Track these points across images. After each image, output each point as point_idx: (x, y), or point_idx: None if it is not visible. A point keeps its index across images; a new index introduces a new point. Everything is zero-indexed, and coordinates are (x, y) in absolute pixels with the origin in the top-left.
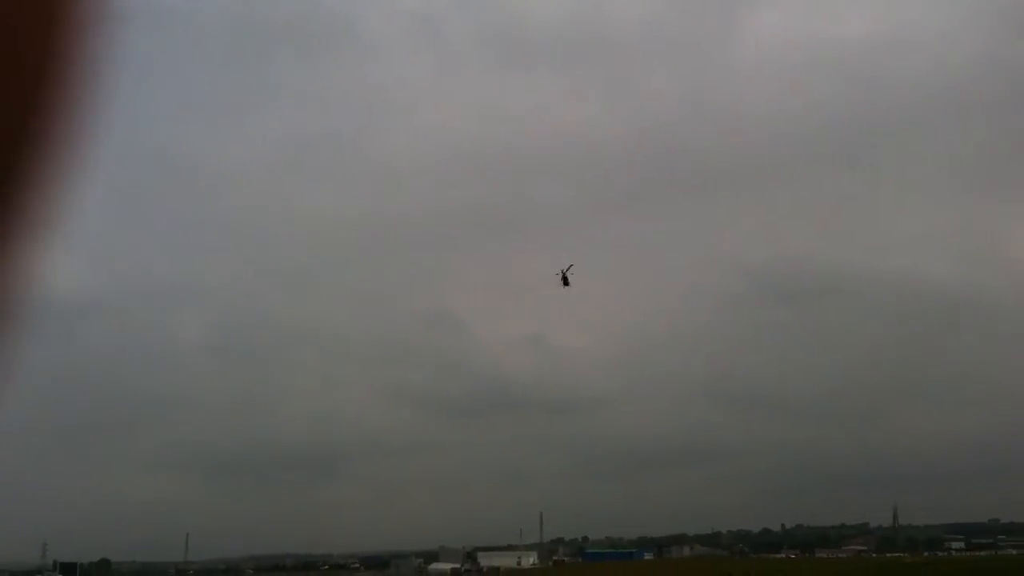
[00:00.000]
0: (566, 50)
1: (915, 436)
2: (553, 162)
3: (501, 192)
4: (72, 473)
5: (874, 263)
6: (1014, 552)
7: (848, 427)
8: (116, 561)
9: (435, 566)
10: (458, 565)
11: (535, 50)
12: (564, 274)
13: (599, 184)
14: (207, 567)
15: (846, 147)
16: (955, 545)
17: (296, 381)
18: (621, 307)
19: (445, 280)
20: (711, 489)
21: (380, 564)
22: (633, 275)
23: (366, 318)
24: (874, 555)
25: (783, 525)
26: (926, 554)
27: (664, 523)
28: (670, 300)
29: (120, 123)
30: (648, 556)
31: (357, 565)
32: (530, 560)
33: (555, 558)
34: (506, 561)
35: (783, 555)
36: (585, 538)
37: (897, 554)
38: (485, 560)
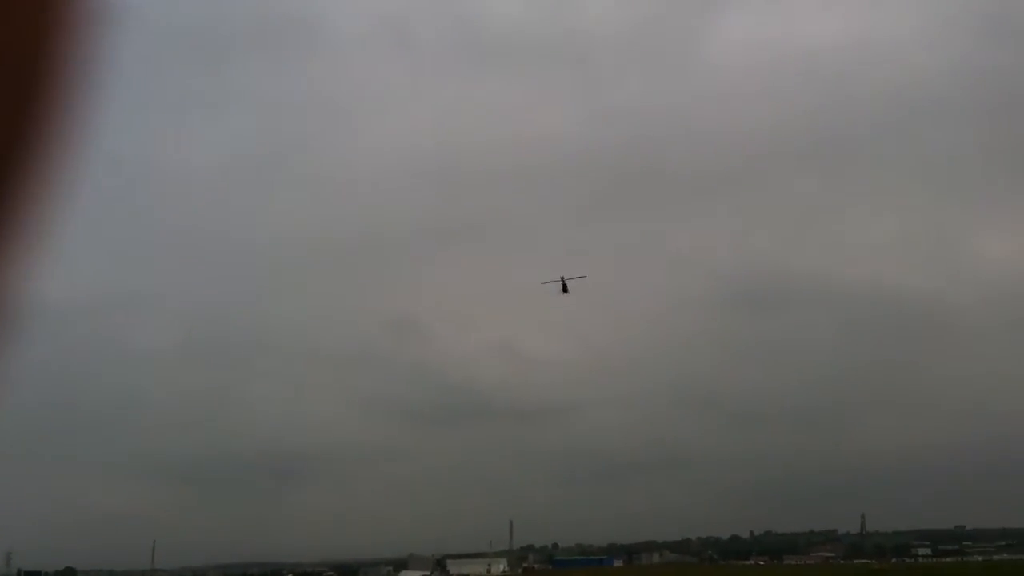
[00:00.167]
0: (536, 56)
1: (883, 443)
2: (523, 168)
3: (470, 198)
4: (37, 481)
5: (844, 271)
6: (980, 558)
7: (816, 434)
8: (82, 570)
9: (405, 574)
10: (428, 573)
11: (504, 56)
12: (564, 281)
13: (569, 191)
14: (174, 575)
15: (818, 154)
16: (922, 552)
17: (264, 389)
18: (591, 315)
19: (414, 287)
20: (681, 496)
21: (349, 572)
22: (603, 283)
23: (334, 326)
24: (842, 562)
25: (752, 532)
26: (893, 560)
27: (634, 530)
28: (640, 307)
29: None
30: (618, 563)
31: (331, 573)
32: (500, 567)
33: (525, 565)
34: (476, 569)
35: (752, 562)
36: (555, 545)
37: (865, 561)
38: (455, 568)
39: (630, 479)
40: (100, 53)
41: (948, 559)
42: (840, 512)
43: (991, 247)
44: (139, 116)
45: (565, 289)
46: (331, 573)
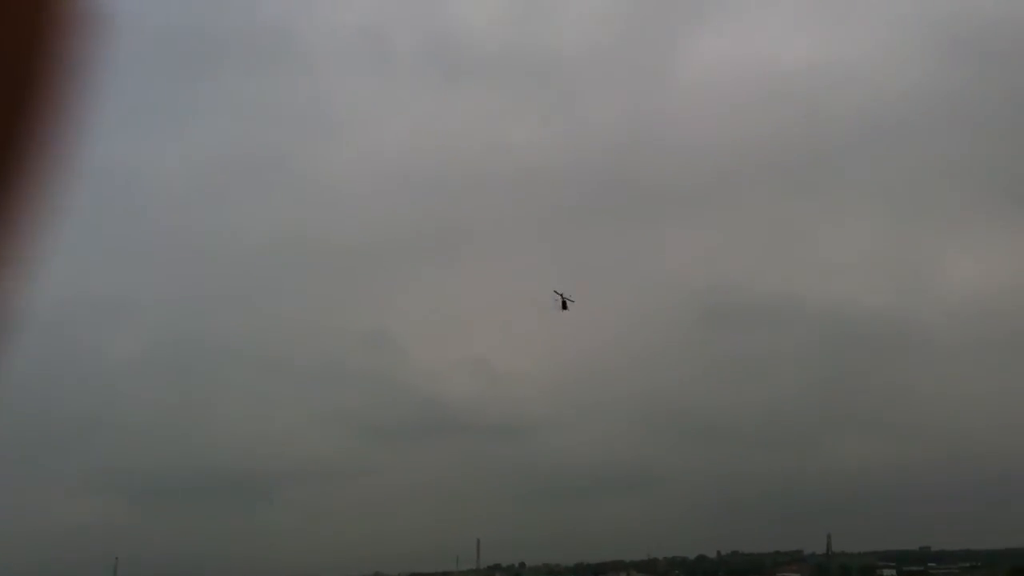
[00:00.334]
0: (512, 71)
1: (849, 463)
2: (494, 184)
3: (442, 212)
4: None
5: (812, 290)
6: None
7: (784, 453)
8: None
9: None
10: None
11: (478, 70)
12: (564, 298)
13: (541, 207)
14: None
15: (788, 173)
16: (887, 572)
17: (230, 404)
18: (562, 332)
19: (384, 302)
20: (648, 515)
21: None
22: (575, 300)
23: (303, 340)
24: None
25: (719, 551)
26: None
27: (601, 549)
28: (611, 325)
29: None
30: None
31: None
32: None
33: None
34: None
35: None
36: (522, 564)
37: None
38: None
39: (598, 497)
40: (90, 56)
41: None
42: (806, 532)
43: (959, 267)
44: (109, 123)
45: (564, 306)
46: None
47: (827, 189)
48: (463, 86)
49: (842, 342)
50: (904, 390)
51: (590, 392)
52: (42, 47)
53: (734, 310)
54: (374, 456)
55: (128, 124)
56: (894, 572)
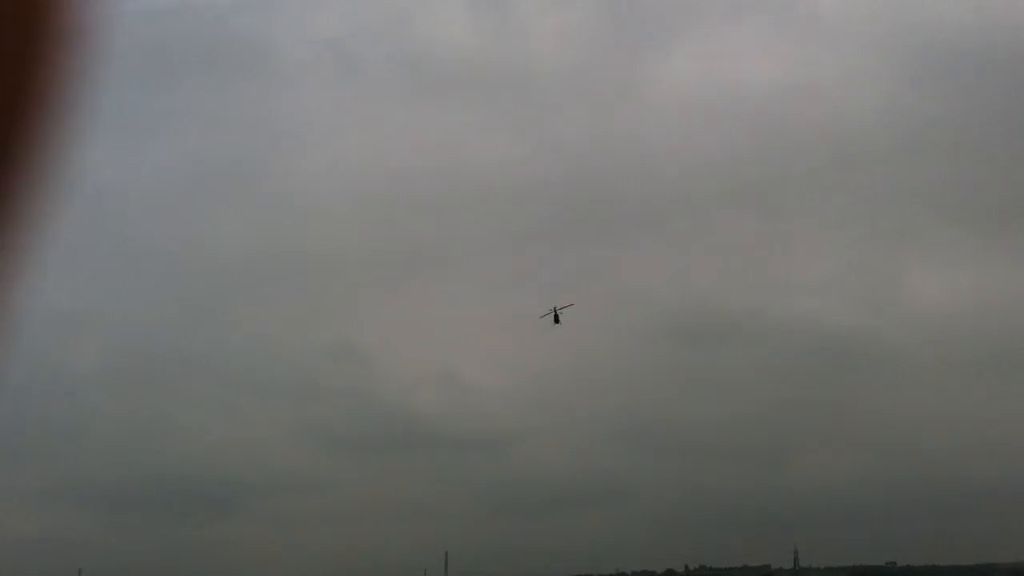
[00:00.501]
0: (483, 86)
1: (816, 479)
2: (464, 198)
3: (411, 226)
4: None
5: (781, 309)
6: None
7: (752, 469)
8: None
9: None
10: None
11: (449, 84)
12: (556, 312)
13: (510, 222)
14: None
15: (754, 191)
16: None
17: (196, 415)
18: (533, 345)
19: (353, 315)
20: (616, 529)
21: None
22: (545, 314)
23: (270, 352)
24: None
25: (687, 566)
26: None
27: (570, 562)
28: (581, 339)
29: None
30: None
31: None
32: None
33: None
34: None
35: None
36: None
37: None
38: None
39: (566, 511)
40: (70, 69)
41: None
42: (774, 547)
43: (927, 288)
44: (78, 133)
45: (557, 320)
46: None
47: (796, 209)
48: (432, 101)
49: (810, 360)
50: (871, 408)
51: (559, 407)
52: (29, 59)
53: (704, 328)
54: (342, 469)
55: (94, 135)
56: None
